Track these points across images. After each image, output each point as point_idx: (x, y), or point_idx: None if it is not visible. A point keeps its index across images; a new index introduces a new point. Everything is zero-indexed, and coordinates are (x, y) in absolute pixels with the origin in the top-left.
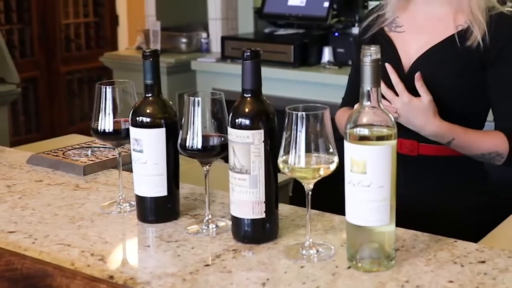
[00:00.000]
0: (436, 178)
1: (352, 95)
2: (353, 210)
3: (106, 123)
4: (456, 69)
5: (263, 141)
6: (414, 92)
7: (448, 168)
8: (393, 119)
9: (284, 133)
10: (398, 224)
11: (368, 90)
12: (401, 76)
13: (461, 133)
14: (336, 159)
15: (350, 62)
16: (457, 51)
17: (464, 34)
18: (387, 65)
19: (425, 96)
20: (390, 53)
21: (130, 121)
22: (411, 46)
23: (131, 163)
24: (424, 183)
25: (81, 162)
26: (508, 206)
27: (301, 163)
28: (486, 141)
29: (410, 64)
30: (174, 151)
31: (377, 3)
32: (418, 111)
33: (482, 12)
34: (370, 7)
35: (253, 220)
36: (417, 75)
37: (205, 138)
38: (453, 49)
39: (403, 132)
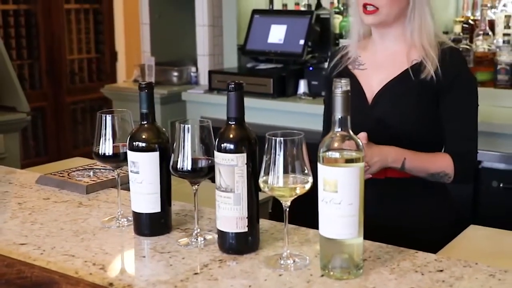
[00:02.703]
0: (402, 197)
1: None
2: (326, 225)
3: (106, 147)
4: (413, 100)
5: (246, 164)
6: (378, 123)
7: (412, 188)
8: (361, 144)
9: (264, 156)
10: (365, 237)
11: (339, 118)
12: (366, 108)
13: (411, 154)
14: (310, 179)
15: (323, 94)
16: (413, 84)
17: (418, 68)
18: (361, 135)
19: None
20: (355, 88)
21: (127, 145)
22: (373, 81)
23: (128, 183)
24: (391, 202)
25: (84, 182)
26: (464, 221)
27: (279, 183)
28: (433, 163)
29: (372, 97)
30: (167, 172)
31: (346, 41)
32: (373, 152)
33: (434, 48)
34: (341, 44)
35: (237, 233)
36: (361, 135)
37: (194, 160)
38: (409, 82)
39: None
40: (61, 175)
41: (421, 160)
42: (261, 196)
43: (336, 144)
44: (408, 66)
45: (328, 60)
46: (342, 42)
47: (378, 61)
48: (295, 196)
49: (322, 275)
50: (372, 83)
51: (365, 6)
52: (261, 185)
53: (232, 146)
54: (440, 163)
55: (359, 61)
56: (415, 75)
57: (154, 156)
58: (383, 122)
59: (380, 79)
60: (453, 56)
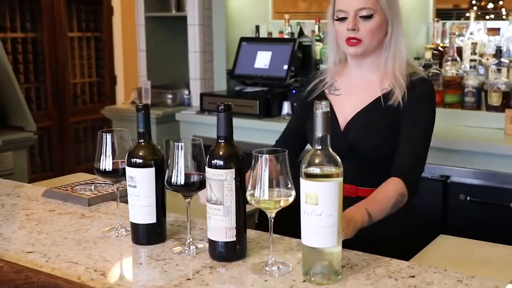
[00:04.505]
0: None
1: (285, 141)
2: (308, 234)
3: (106, 163)
4: (383, 127)
5: (234, 178)
6: (350, 148)
7: None
8: (339, 161)
9: (251, 172)
10: (344, 246)
11: (320, 137)
12: (338, 134)
13: (367, 200)
14: (293, 193)
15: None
16: (383, 110)
17: (387, 95)
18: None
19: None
20: None
21: (126, 162)
22: (346, 107)
23: (126, 196)
24: None
25: (86, 195)
26: (432, 232)
27: (265, 196)
28: (387, 192)
29: (345, 123)
30: (162, 186)
31: (326, 66)
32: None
33: (404, 77)
34: (321, 69)
35: (226, 242)
36: None
37: (187, 176)
38: (380, 108)
39: (344, 179)
40: (65, 189)
41: (376, 197)
42: (248, 208)
43: (317, 161)
44: (380, 94)
45: (308, 80)
46: (323, 67)
47: (353, 87)
48: (279, 208)
49: (304, 281)
50: (345, 110)
51: (348, 39)
52: (248, 198)
53: (221, 162)
54: (392, 188)
55: (335, 86)
56: (385, 102)
57: (150, 171)
58: (355, 147)
59: (353, 105)
60: (422, 87)
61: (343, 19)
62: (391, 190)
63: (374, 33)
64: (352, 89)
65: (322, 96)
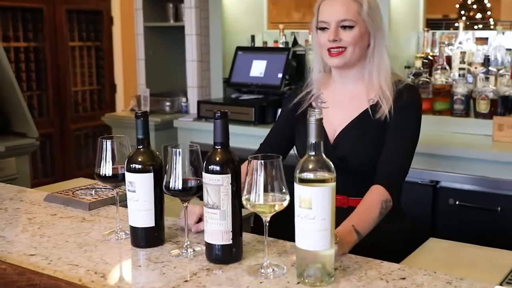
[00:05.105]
0: None
1: (267, 146)
2: (301, 238)
3: (106, 169)
4: (372, 139)
5: (230, 183)
6: (340, 160)
7: None
8: (332, 167)
9: (247, 177)
10: None
11: (313, 143)
12: (327, 146)
13: (353, 217)
14: (288, 197)
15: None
16: (372, 123)
17: (374, 107)
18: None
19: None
20: None
21: (125, 167)
22: (334, 120)
23: (126, 200)
24: None
25: (87, 200)
26: (422, 235)
27: (260, 200)
28: (371, 204)
29: (334, 136)
30: (160, 191)
31: (311, 77)
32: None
33: (390, 88)
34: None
35: (222, 245)
36: None
37: (184, 181)
38: (368, 121)
39: (335, 190)
40: (66, 193)
41: (361, 212)
42: (244, 212)
43: (310, 166)
44: (367, 106)
45: (293, 92)
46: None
47: (339, 100)
48: (274, 212)
49: (298, 283)
50: (334, 122)
51: (329, 49)
52: (244, 202)
53: (218, 168)
54: (375, 196)
55: (321, 99)
56: (373, 115)
57: (149, 176)
58: (344, 160)
59: (341, 118)
60: (408, 95)
61: (325, 29)
62: (375, 201)
63: (356, 42)
64: (339, 102)
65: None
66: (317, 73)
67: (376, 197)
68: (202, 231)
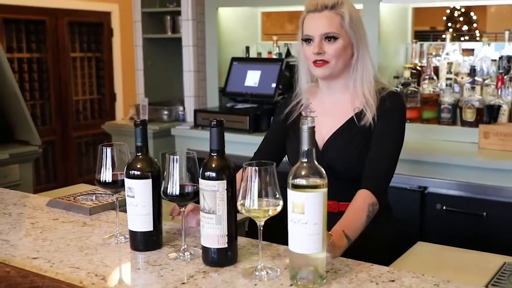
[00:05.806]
0: None
1: (261, 155)
2: (294, 241)
3: (106, 175)
4: (358, 146)
5: (226, 189)
6: (328, 167)
7: None
8: (324, 173)
9: (242, 183)
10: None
11: (305, 150)
12: (317, 153)
13: (342, 222)
14: (281, 202)
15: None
16: (357, 130)
17: (359, 114)
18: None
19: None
20: None
21: (124, 173)
22: (322, 128)
23: (125, 205)
24: None
25: (88, 205)
26: (411, 239)
27: (254, 205)
28: (358, 209)
29: (323, 143)
30: (158, 196)
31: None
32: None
33: (373, 96)
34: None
35: (218, 249)
36: None
37: (181, 186)
38: (354, 128)
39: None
40: (68, 199)
41: (350, 218)
42: (239, 216)
43: (303, 173)
44: (353, 114)
45: (284, 102)
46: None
47: (327, 109)
48: (268, 217)
49: (291, 285)
50: (322, 130)
51: (314, 61)
52: (239, 207)
53: (214, 174)
54: (360, 200)
55: (310, 108)
56: (359, 122)
57: (148, 183)
58: (333, 166)
59: (329, 126)
60: (391, 101)
61: (310, 41)
62: (361, 205)
63: (339, 55)
64: (326, 110)
65: (299, 119)
66: (305, 84)
67: (363, 202)
68: (196, 230)
